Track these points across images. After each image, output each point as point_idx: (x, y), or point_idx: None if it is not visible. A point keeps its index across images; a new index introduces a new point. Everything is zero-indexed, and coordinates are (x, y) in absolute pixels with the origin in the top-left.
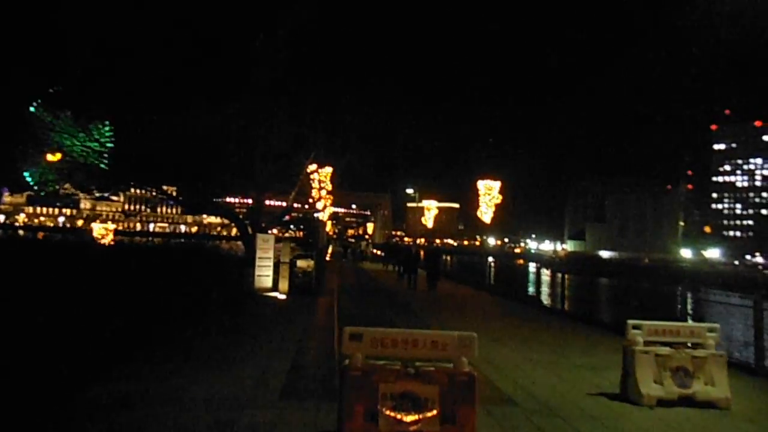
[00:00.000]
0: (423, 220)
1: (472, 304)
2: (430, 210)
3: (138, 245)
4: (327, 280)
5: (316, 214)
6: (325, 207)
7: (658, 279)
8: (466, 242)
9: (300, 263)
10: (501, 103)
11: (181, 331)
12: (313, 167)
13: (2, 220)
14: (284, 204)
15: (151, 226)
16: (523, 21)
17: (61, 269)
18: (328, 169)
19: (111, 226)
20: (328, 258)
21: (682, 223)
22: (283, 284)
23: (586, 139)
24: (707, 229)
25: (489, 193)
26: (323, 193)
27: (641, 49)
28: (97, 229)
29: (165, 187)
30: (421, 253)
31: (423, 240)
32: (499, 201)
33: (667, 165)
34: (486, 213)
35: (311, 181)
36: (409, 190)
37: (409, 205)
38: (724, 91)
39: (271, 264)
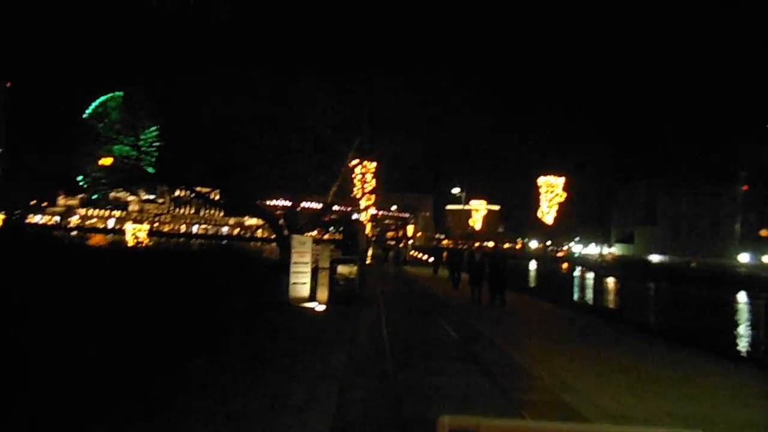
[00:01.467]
0: (471, 221)
1: (547, 323)
2: (479, 211)
3: (150, 248)
4: (369, 286)
5: (356, 215)
6: (368, 207)
7: (722, 286)
8: (507, 245)
9: (341, 269)
10: (545, 101)
11: (184, 362)
12: (355, 162)
13: (57, 221)
14: (323, 206)
15: (195, 228)
16: (571, 16)
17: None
18: (372, 165)
19: (145, 227)
20: (368, 261)
21: (738, 226)
22: (322, 293)
23: (634, 138)
24: (764, 232)
25: (551, 190)
26: (366, 188)
27: (695, 44)
28: (131, 230)
29: (204, 190)
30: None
31: (462, 243)
32: (562, 199)
33: (722, 164)
34: (548, 213)
35: (353, 178)
36: (455, 190)
37: (449, 207)
38: None
39: (309, 270)
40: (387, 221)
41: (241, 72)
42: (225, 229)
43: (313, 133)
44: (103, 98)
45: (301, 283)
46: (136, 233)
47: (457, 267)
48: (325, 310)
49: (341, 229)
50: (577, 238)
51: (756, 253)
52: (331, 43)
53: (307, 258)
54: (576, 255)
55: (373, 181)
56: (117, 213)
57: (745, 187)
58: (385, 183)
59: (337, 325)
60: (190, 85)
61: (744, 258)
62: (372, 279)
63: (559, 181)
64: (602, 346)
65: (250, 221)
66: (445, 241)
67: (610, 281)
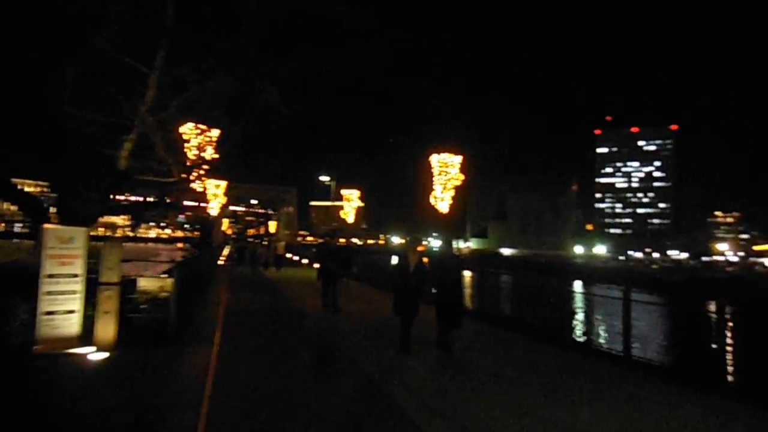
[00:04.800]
0: (342, 213)
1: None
2: (351, 200)
3: None
4: (210, 303)
5: (194, 184)
6: (201, 175)
7: (561, 275)
8: (370, 241)
9: (145, 284)
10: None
11: None
12: (190, 129)
13: None
14: (117, 174)
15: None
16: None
17: None
18: (213, 133)
19: None
20: (221, 262)
21: (573, 222)
22: (105, 327)
23: (486, 136)
24: (589, 226)
25: (445, 171)
26: (202, 157)
27: (537, 56)
28: None
29: None
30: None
31: (326, 240)
32: (460, 182)
33: (559, 166)
34: (442, 199)
35: (184, 143)
36: (324, 178)
37: (313, 203)
38: (608, 98)
39: (80, 287)
40: (249, 218)
41: None
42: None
43: (87, 42)
44: None
45: (62, 311)
46: None
47: (330, 269)
48: (106, 362)
49: (198, 226)
50: (434, 234)
51: (586, 245)
52: None
53: (78, 266)
54: (435, 249)
55: (210, 151)
56: None
57: (575, 187)
58: (240, 162)
59: (119, 411)
60: None
61: (579, 249)
62: (219, 288)
63: (456, 160)
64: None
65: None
66: (309, 238)
67: (467, 274)
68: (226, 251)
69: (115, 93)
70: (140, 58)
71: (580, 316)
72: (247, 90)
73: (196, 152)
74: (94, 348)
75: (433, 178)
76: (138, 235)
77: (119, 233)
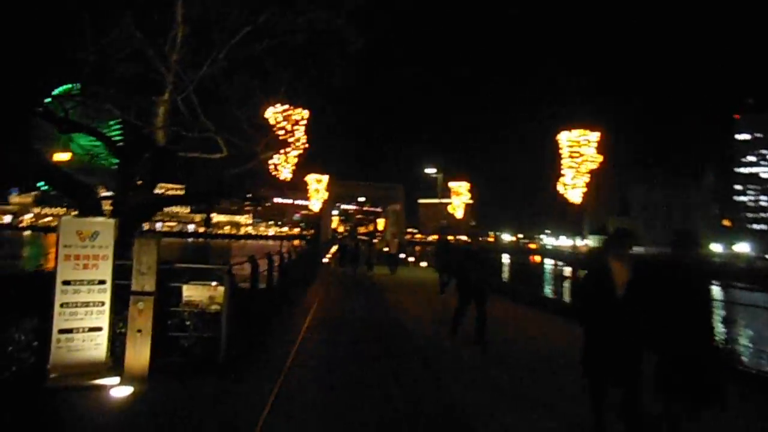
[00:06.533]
0: (450, 208)
1: None
2: (461, 195)
3: None
4: (295, 312)
5: (283, 173)
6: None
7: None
8: (480, 238)
9: (190, 293)
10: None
11: None
12: (274, 111)
13: (8, 221)
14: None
15: (159, 225)
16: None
17: None
18: (303, 112)
19: None
20: (326, 260)
21: (709, 217)
22: (137, 351)
23: (604, 128)
24: (726, 222)
25: (578, 152)
26: (288, 138)
27: (666, 38)
28: None
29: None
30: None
31: (436, 237)
32: (596, 164)
33: (690, 156)
34: (573, 186)
35: (276, 124)
36: (430, 170)
37: (422, 201)
38: (746, 80)
39: (107, 298)
40: (359, 216)
41: None
42: (191, 227)
43: None
44: (60, 89)
45: (83, 329)
46: None
47: (474, 284)
48: (126, 402)
49: (313, 225)
50: (547, 231)
51: (726, 243)
52: None
53: (105, 269)
54: (549, 247)
55: (300, 134)
56: (74, 212)
57: (710, 179)
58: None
59: None
60: None
61: (717, 248)
62: (311, 293)
63: (592, 137)
64: None
65: (219, 217)
66: (418, 236)
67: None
68: (333, 249)
69: (142, 37)
70: None
71: None
72: (316, 34)
73: (282, 132)
74: (117, 380)
75: (561, 161)
76: (258, 233)
77: (242, 231)
